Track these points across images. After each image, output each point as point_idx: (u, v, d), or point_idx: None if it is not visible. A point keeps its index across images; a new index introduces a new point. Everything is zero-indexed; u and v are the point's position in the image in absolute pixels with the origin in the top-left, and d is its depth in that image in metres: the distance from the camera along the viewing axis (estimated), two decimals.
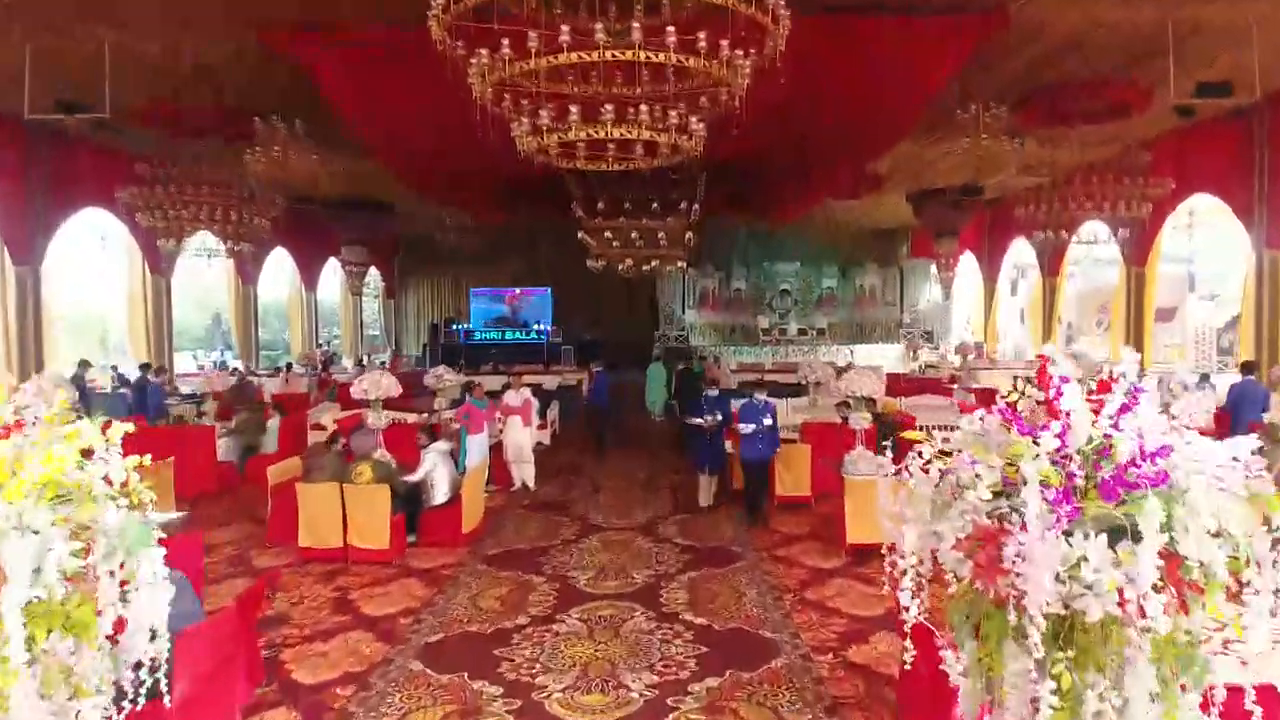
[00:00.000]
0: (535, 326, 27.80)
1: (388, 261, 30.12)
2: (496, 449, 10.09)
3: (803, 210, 19.51)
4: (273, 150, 11.46)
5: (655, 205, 14.86)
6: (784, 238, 27.89)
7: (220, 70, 11.18)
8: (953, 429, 8.76)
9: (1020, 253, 24.31)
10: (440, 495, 7.63)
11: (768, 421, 8.10)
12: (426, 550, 7.51)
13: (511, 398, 10.04)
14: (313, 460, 7.68)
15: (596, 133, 7.17)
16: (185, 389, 15.25)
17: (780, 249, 28.45)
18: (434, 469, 7.58)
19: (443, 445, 7.78)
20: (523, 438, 9.88)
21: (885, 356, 25.54)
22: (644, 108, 7.00)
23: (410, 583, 6.68)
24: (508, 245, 29.60)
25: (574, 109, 7.02)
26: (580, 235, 15.26)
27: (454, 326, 27.52)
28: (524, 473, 10.01)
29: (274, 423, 10.18)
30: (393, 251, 30.29)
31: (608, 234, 15.03)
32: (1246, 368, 12.78)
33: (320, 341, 26.04)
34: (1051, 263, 21.49)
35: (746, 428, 8.07)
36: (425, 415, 10.60)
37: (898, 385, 17.85)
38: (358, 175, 16.80)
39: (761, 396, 8.32)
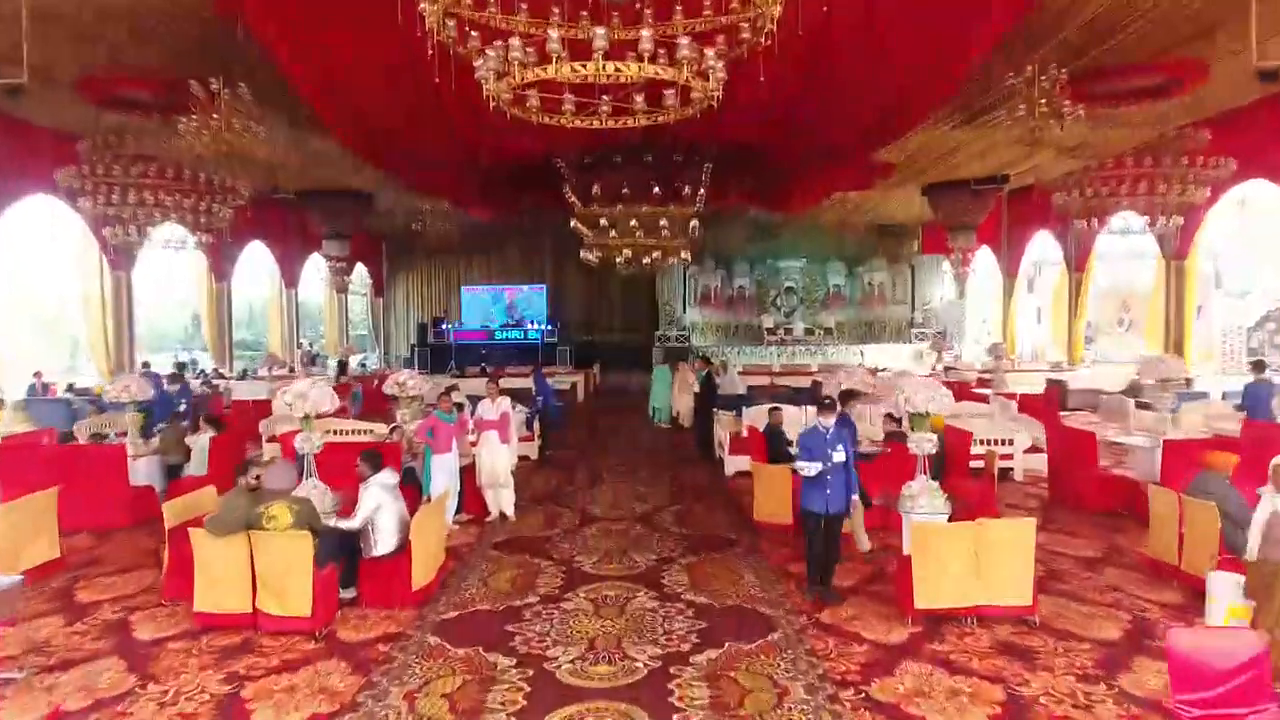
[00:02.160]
0: (530, 326, 25.93)
1: (375, 258, 28.33)
2: (470, 471, 8.27)
3: (814, 200, 17.69)
4: (211, 119, 9.61)
5: (656, 190, 13.04)
6: (788, 233, 26.13)
7: (155, 30, 9.37)
8: (1008, 442, 6.61)
9: (1042, 247, 22.54)
10: (385, 543, 5.78)
11: (839, 456, 5.84)
12: (365, 614, 5.67)
13: (486, 409, 8.20)
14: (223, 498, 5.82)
15: (584, 68, 5.34)
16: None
17: (785, 245, 26.66)
18: (376, 510, 5.74)
19: (388, 478, 5.94)
20: (499, 458, 8.04)
21: (898, 357, 23.81)
22: (646, 33, 5.17)
23: (331, 669, 4.82)
24: (502, 241, 27.83)
25: (554, 34, 5.19)
26: (573, 224, 13.42)
27: (443, 326, 25.64)
28: (501, 500, 8.17)
29: (202, 439, 8.32)
30: (380, 247, 28.49)
31: (604, 222, 13.19)
32: (1257, 367, 11.54)
33: (301, 341, 24.18)
34: (1078, 257, 19.70)
35: (810, 468, 5.69)
36: (390, 430, 8.75)
37: None
38: (323, 157, 14.99)
39: (828, 420, 5.86)
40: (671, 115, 6.52)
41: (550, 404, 12.30)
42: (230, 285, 20.55)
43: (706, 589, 6.14)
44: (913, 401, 5.86)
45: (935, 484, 5.96)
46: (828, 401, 5.91)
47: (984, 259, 23.43)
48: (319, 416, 6.56)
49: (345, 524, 5.69)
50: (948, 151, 15.91)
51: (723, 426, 10.99)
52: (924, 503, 5.87)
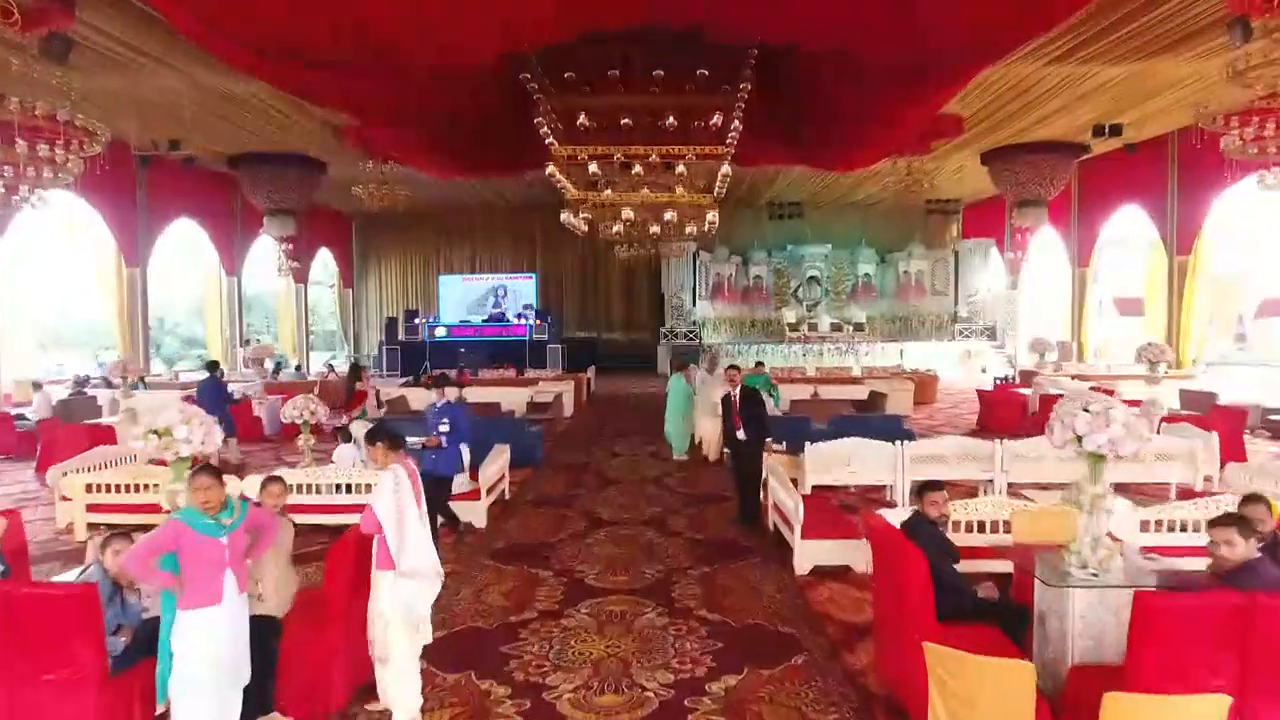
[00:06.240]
0: (515, 320, 21.37)
1: (343, 243, 23.77)
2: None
3: (870, 158, 13.08)
4: None
5: (671, 121, 8.44)
6: (812, 216, 21.53)
7: None
8: None
9: (1121, 224, 17.97)
10: None
11: None
12: None
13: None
14: None
15: None
16: None
17: (807, 229, 22.08)
18: None
19: None
20: (381, 602, 3.48)
21: (941, 357, 19.29)
22: None
23: None
24: (486, 223, 23.36)
25: None
26: (549, 172, 8.78)
27: (415, 320, 21.07)
28: (385, 685, 3.61)
29: None
30: (349, 231, 23.96)
31: (594, 169, 8.62)
32: None
33: (247, 338, 19.65)
34: (1182, 236, 15.14)
35: None
36: (102, 544, 3.79)
37: (1006, 408, 11.54)
38: (222, 95, 10.45)
39: None
40: None
41: (448, 466, 6.21)
42: (145, 270, 15.98)
43: None
44: None
45: None
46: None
47: (1036, 244, 18.88)
48: None
49: None
50: (1050, 90, 11.35)
51: (781, 482, 6.36)
52: None
